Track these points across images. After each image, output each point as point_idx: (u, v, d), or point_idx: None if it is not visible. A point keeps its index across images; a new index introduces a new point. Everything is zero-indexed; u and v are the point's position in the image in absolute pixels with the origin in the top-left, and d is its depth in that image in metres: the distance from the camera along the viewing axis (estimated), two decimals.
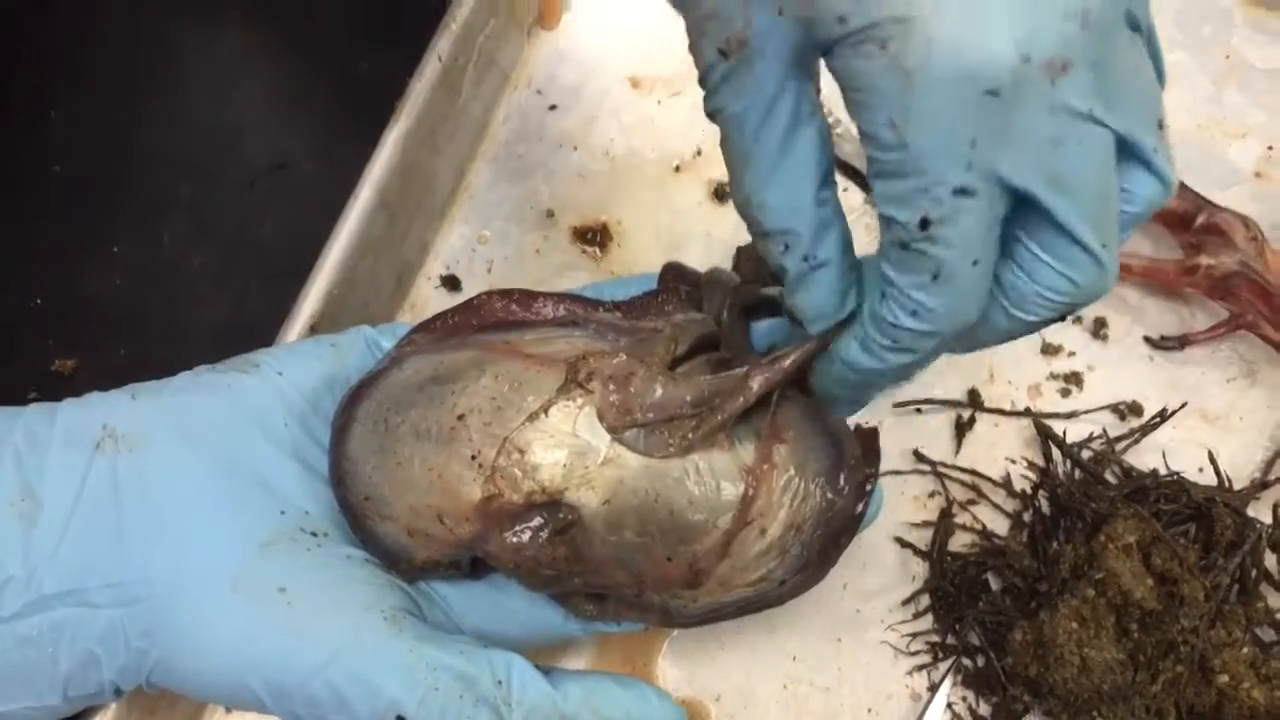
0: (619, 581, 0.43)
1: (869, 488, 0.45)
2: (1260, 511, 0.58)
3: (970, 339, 0.39)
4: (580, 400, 0.42)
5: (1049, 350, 0.63)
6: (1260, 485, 0.59)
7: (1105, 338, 0.63)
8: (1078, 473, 0.59)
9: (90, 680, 0.42)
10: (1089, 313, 0.63)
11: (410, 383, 0.44)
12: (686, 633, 0.58)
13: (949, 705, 0.56)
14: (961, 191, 0.34)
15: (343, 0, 0.71)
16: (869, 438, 0.46)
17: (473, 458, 0.41)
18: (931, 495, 0.60)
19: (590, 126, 0.68)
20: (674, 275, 0.48)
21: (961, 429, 0.61)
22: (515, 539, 0.41)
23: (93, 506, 0.42)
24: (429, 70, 0.62)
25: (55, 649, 0.41)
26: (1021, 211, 0.35)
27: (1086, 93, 0.33)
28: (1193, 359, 0.62)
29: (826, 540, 0.44)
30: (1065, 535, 0.57)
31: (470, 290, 0.64)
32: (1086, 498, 0.57)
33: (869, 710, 0.56)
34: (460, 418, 0.42)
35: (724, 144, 0.38)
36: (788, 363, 0.42)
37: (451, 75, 0.63)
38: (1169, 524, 0.56)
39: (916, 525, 0.59)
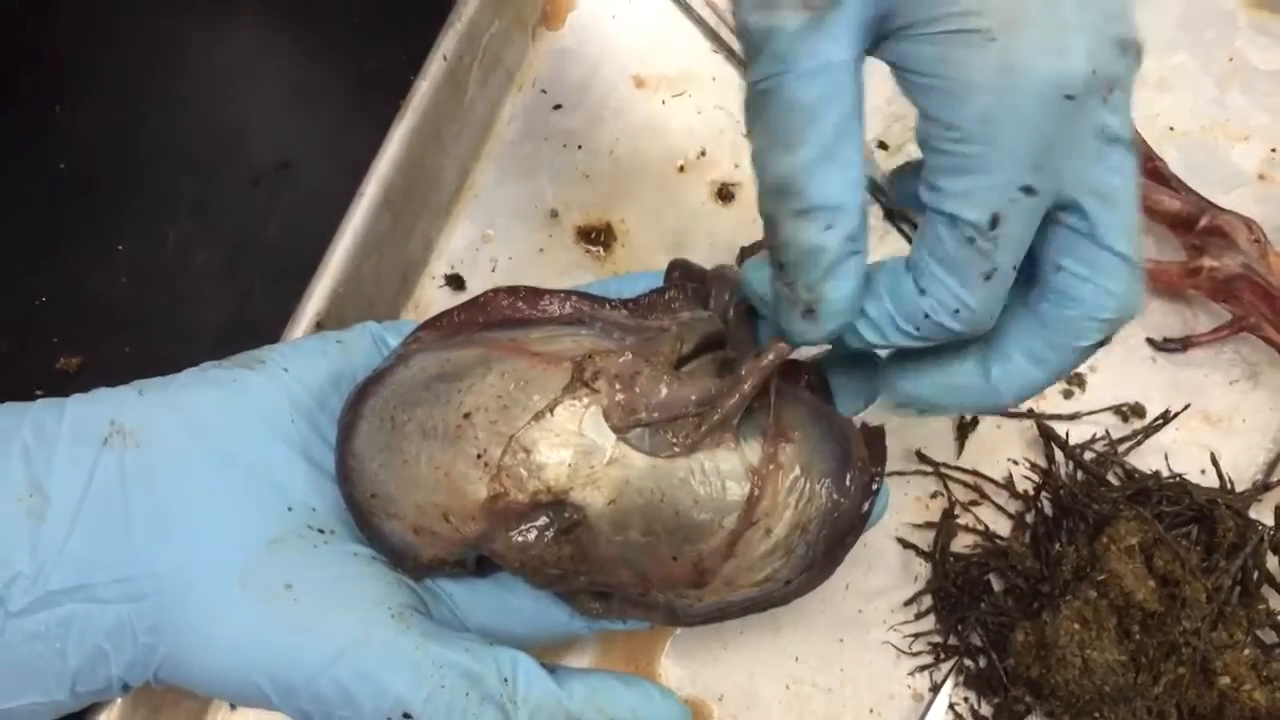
0: (624, 581, 0.43)
1: (875, 488, 0.45)
2: (1262, 513, 0.58)
3: (1024, 384, 0.40)
4: (586, 399, 0.42)
5: None
6: (1262, 487, 0.59)
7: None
8: (1080, 474, 0.59)
9: (98, 676, 0.42)
10: None
11: (417, 380, 0.44)
12: (690, 632, 0.58)
13: (951, 706, 0.56)
14: (1028, 190, 0.35)
15: (348, 0, 0.71)
16: (875, 438, 0.46)
17: (479, 456, 0.41)
18: (934, 496, 0.60)
19: (595, 126, 0.68)
20: (680, 272, 0.48)
21: (964, 430, 0.61)
22: (521, 538, 0.42)
23: (100, 502, 0.42)
24: (434, 69, 0.62)
25: (63, 644, 0.41)
26: (1052, 234, 0.37)
27: (1124, 114, 0.35)
28: (1195, 361, 0.62)
29: (832, 540, 0.44)
30: (1067, 536, 0.57)
31: (475, 289, 0.64)
32: (1089, 499, 0.57)
33: (871, 711, 0.56)
34: (466, 416, 0.42)
35: (766, 115, 0.36)
36: (779, 354, 0.41)
37: (457, 74, 0.64)
38: (1171, 526, 0.56)
39: (919, 526, 0.59)
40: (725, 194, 0.66)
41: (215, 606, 0.41)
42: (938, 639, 0.57)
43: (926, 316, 0.37)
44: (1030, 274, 0.39)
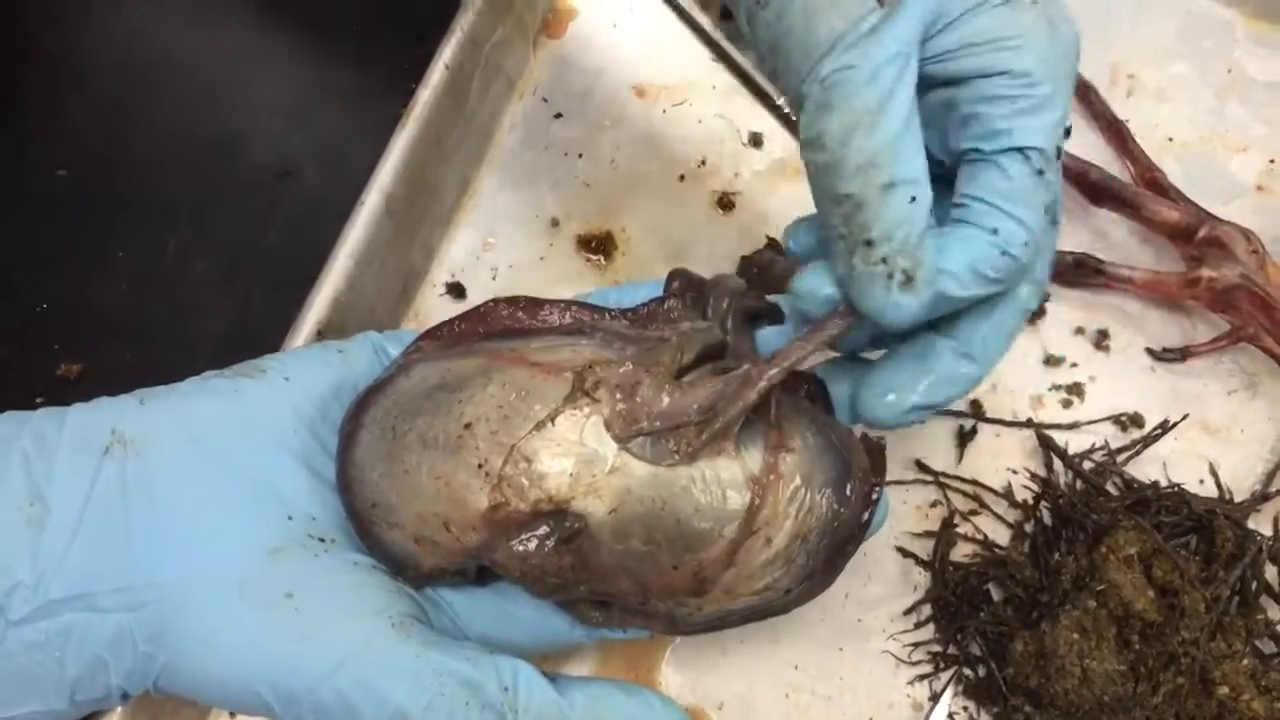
0: (625, 589, 0.43)
1: (875, 498, 0.45)
2: (1261, 524, 0.58)
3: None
4: (587, 409, 0.42)
5: (1051, 361, 0.63)
6: (1261, 497, 0.59)
7: (1107, 349, 0.63)
8: (1079, 484, 0.59)
9: (97, 685, 0.42)
10: (1091, 324, 0.63)
11: (417, 390, 0.44)
12: (689, 640, 0.58)
13: (950, 715, 0.56)
14: (1068, 125, 0.42)
15: (350, 8, 0.71)
16: (875, 448, 0.46)
17: (479, 466, 0.42)
18: (933, 505, 0.60)
19: (595, 135, 0.68)
20: (680, 282, 0.48)
21: (963, 439, 0.61)
22: (522, 547, 0.41)
23: (101, 511, 0.42)
24: (436, 78, 0.62)
25: (63, 654, 0.41)
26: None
27: None
28: (1194, 371, 0.63)
29: (832, 550, 0.44)
30: (1067, 546, 0.57)
31: (475, 298, 0.64)
32: (1088, 509, 0.57)
33: (870, 719, 0.56)
34: (467, 426, 0.42)
35: (845, 101, 0.39)
36: (785, 364, 0.42)
37: (458, 83, 0.64)
38: (1170, 536, 0.56)
39: (918, 535, 0.59)
40: (726, 203, 0.67)
41: (215, 615, 0.41)
42: (937, 648, 0.57)
43: (1003, 254, 0.41)
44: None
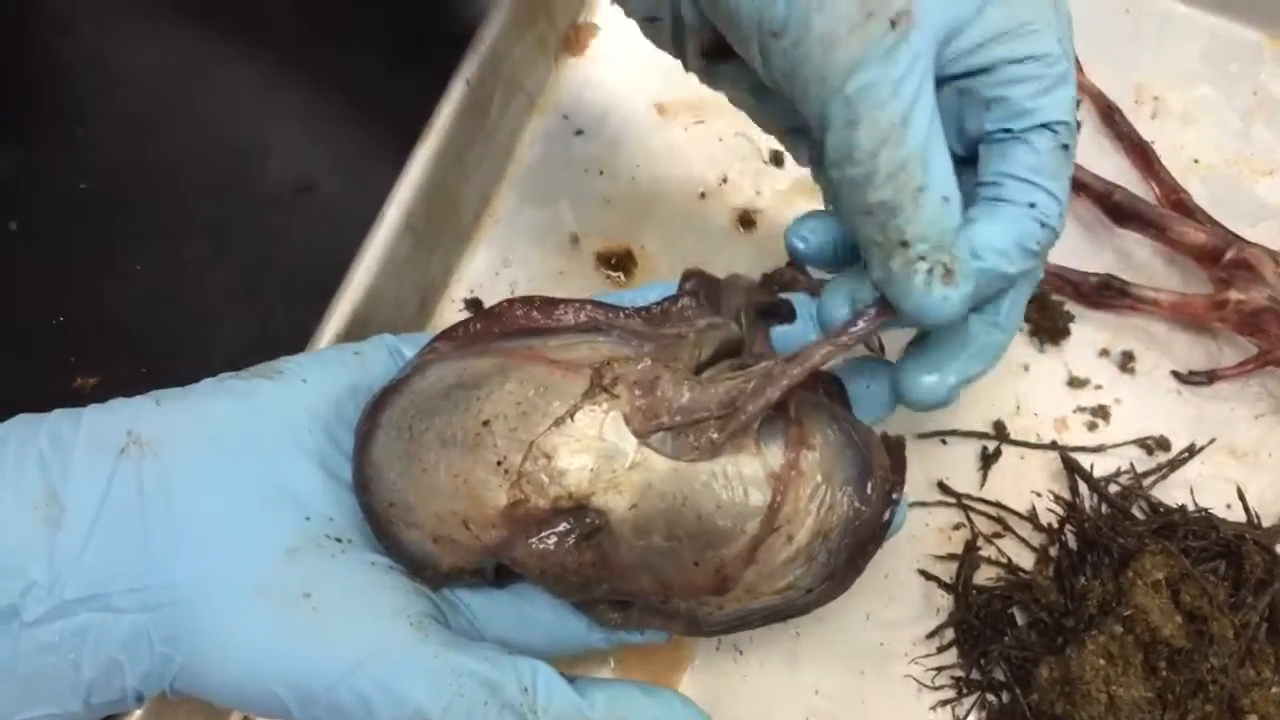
0: (645, 588, 0.43)
1: (896, 497, 0.44)
2: None
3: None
4: (606, 405, 0.42)
5: (1076, 383, 0.62)
6: None
7: (1133, 371, 0.62)
8: (1105, 507, 0.58)
9: (113, 686, 0.41)
10: (1117, 346, 0.63)
11: (434, 389, 0.44)
12: (707, 663, 0.57)
13: None
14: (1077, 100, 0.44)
15: (370, 23, 0.71)
16: (895, 447, 0.46)
17: (498, 463, 0.41)
18: (956, 527, 0.59)
19: (616, 152, 0.68)
20: (695, 281, 0.49)
21: (987, 461, 0.60)
22: (541, 545, 0.41)
23: (117, 511, 0.42)
24: (456, 94, 0.62)
25: (78, 655, 0.41)
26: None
27: None
28: (1221, 394, 0.62)
29: (853, 549, 0.44)
30: (1092, 570, 0.56)
31: None
32: (1114, 533, 0.56)
33: None
34: (485, 424, 0.42)
35: (871, 115, 0.40)
36: (811, 362, 0.42)
37: (479, 99, 0.64)
38: (1197, 561, 0.55)
39: (941, 558, 0.59)
40: (747, 221, 0.66)
41: (233, 616, 0.41)
42: (960, 673, 0.56)
43: (1042, 226, 0.42)
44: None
